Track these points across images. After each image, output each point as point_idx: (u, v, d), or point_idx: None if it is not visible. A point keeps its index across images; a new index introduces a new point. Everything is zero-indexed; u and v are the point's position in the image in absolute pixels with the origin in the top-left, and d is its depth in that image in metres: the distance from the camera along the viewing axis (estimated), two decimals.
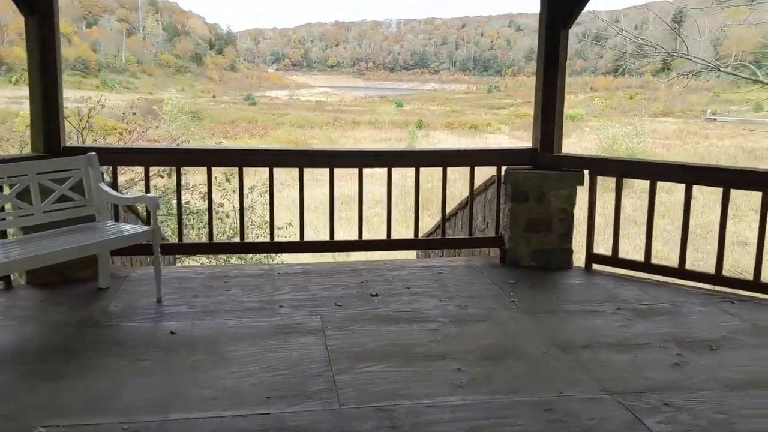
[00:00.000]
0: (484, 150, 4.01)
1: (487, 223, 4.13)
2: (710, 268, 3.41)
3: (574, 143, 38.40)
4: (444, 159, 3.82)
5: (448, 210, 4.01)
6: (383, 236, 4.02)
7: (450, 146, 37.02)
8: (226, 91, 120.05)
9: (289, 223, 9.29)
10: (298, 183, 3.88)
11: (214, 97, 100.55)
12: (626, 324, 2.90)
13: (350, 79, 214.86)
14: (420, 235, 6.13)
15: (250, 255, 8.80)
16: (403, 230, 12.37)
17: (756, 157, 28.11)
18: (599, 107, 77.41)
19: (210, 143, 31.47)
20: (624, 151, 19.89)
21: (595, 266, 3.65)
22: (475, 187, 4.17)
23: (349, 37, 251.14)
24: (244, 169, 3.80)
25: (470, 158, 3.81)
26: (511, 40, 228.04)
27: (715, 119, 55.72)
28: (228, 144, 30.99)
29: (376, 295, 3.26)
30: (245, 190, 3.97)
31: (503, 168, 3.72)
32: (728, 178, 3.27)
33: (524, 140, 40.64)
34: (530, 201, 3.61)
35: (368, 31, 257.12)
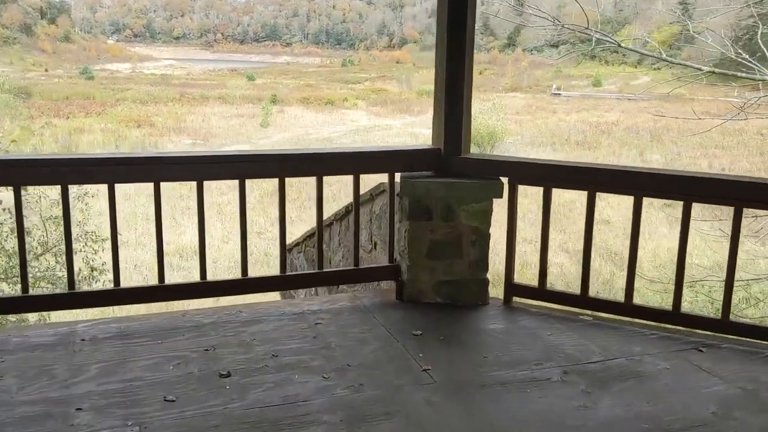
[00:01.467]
0: (372, 152, 2.99)
1: (375, 243, 3.20)
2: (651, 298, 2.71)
3: (430, 119, 38.62)
4: (318, 165, 2.84)
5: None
6: (235, 270, 2.97)
7: (307, 122, 35.95)
8: (60, 64, 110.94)
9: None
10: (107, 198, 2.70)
11: (46, 71, 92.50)
12: (586, 402, 2.08)
13: (197, 51, 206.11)
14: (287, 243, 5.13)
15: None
16: (260, 244, 11.24)
17: (602, 131, 29.41)
18: None
19: (39, 122, 28.29)
20: (483, 128, 19.78)
21: (516, 299, 2.84)
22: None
23: (195, 7, 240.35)
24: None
25: (354, 164, 2.84)
26: (363, 13, 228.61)
27: (560, 94, 58.52)
28: (59, 123, 28.01)
29: (228, 374, 2.23)
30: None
31: (397, 175, 2.79)
32: (694, 189, 2.54)
33: (382, 116, 40.35)
34: (434, 219, 2.72)
35: (215, 1, 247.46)
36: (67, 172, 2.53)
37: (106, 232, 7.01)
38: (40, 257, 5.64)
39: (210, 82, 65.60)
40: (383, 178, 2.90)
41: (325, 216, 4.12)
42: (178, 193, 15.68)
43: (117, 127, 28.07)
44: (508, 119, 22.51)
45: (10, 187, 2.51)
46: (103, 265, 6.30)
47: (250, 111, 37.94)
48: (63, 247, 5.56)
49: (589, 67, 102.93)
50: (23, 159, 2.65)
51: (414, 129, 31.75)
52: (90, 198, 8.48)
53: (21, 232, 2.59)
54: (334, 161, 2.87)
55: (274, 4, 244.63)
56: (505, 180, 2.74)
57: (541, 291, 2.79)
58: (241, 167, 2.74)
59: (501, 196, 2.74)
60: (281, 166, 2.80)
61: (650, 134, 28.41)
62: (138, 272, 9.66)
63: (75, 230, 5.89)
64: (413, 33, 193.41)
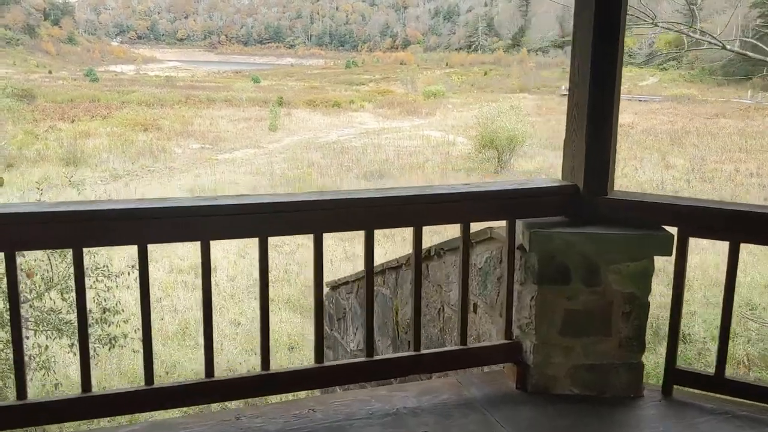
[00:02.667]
0: (484, 191, 2.15)
1: (475, 305, 2.48)
2: None
3: (439, 121, 37.88)
4: (416, 212, 2.09)
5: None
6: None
7: (315, 125, 35.29)
8: (64, 66, 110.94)
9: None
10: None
11: (50, 72, 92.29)
12: None
13: (201, 53, 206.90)
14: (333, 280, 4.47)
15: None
16: (279, 261, 10.52)
17: (627, 134, 28.62)
18: (457, 83, 78.53)
19: (43, 126, 27.66)
20: (502, 131, 19.05)
21: (677, 388, 2.11)
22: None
23: (199, 9, 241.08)
24: None
25: (461, 209, 2.10)
26: (366, 14, 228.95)
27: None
28: (64, 127, 27.37)
29: None
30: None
31: (519, 223, 2.08)
32: None
33: (390, 119, 39.75)
34: (573, 282, 2.02)
35: (219, 3, 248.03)
36: (80, 229, 1.80)
37: (118, 264, 6.26)
38: (43, 296, 4.89)
39: (215, 85, 65.11)
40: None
41: (393, 257, 3.43)
42: None
43: (123, 130, 27.40)
44: (521, 121, 21.82)
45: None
46: (117, 305, 5.51)
47: (257, 114, 37.28)
48: (71, 283, 4.70)
49: None
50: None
51: (424, 131, 31.04)
52: None
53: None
54: (435, 206, 2.13)
55: (278, 6, 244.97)
56: (672, 230, 2.02)
57: (720, 380, 2.06)
58: (315, 218, 2.02)
59: (669, 253, 2.01)
60: (366, 214, 2.08)
61: (669, 137, 27.63)
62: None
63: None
64: (416, 34, 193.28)
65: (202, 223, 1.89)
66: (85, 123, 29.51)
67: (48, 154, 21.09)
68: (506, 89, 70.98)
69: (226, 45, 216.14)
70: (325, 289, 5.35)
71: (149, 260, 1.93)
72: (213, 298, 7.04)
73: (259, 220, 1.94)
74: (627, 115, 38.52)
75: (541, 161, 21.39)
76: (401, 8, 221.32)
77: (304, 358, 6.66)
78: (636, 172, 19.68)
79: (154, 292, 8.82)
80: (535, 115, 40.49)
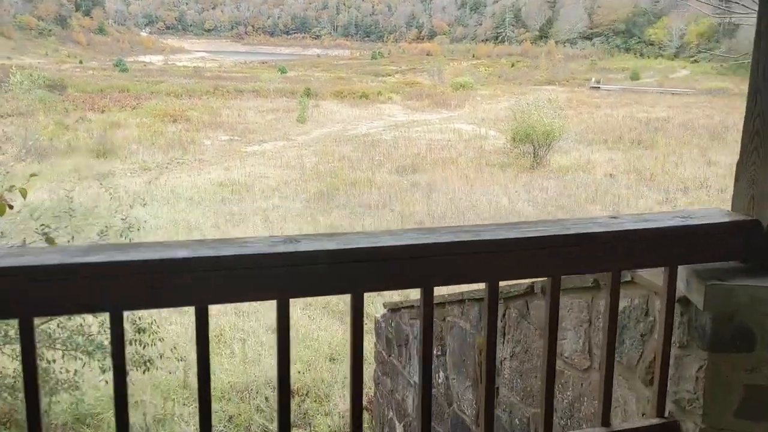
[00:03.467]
0: (638, 230, 1.58)
1: (593, 356, 2.00)
2: None
3: (469, 114, 37.26)
4: (549, 258, 1.52)
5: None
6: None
7: (343, 117, 34.89)
8: (94, 56, 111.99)
9: None
10: None
11: (81, 62, 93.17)
12: None
13: (229, 43, 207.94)
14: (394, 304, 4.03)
15: None
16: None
17: (655, 128, 27.84)
18: (484, 75, 77.62)
19: (74, 116, 27.59)
20: (539, 126, 18.44)
21: None
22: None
23: (226, 0, 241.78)
24: None
25: (610, 253, 1.55)
26: (392, 5, 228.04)
27: (599, 87, 56.58)
28: (94, 118, 27.28)
29: None
30: None
31: (682, 269, 1.59)
32: None
33: (419, 111, 39.26)
34: (757, 350, 1.56)
35: None
36: (118, 286, 1.30)
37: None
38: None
39: (243, 75, 65.04)
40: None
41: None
42: (219, 196, 14.68)
43: (152, 122, 27.23)
44: (557, 115, 21.14)
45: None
46: (152, 324, 5.00)
47: (285, 105, 37.00)
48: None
49: (624, 59, 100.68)
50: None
51: (455, 124, 30.50)
52: None
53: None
54: (574, 249, 1.61)
55: None
56: None
57: None
58: (431, 267, 1.52)
59: None
60: (490, 260, 1.56)
61: (708, 132, 26.77)
62: None
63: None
64: (442, 25, 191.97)
65: (278, 275, 1.40)
66: (114, 113, 29.42)
67: (78, 146, 20.93)
68: (534, 81, 69.99)
69: (253, 35, 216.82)
70: (382, 311, 4.87)
71: None
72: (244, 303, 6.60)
73: (361, 270, 1.45)
74: (661, 109, 37.60)
75: (577, 157, 20.76)
76: None
77: (347, 369, 6.22)
78: (677, 169, 18.97)
79: None
80: (566, 107, 39.64)
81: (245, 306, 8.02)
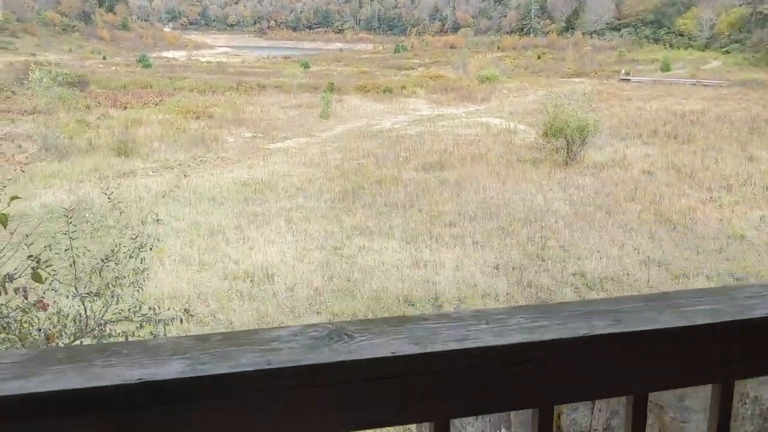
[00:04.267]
0: None
1: None
2: None
3: (496, 107, 36.49)
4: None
5: None
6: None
7: (367, 112, 34.36)
8: (118, 52, 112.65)
9: None
10: None
11: (104, 58, 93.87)
12: None
13: (251, 38, 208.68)
14: None
15: None
16: (338, 265, 9.58)
17: (691, 121, 26.90)
18: (510, 67, 76.57)
19: (96, 113, 27.38)
20: (573, 120, 17.72)
21: None
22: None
23: None
24: None
25: None
26: None
27: (629, 79, 55.35)
28: (116, 115, 27.02)
29: None
30: None
31: None
32: None
33: (444, 105, 38.43)
34: None
35: None
36: None
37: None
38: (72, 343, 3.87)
39: (265, 71, 64.76)
40: None
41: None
42: (242, 196, 14.24)
43: (175, 118, 26.92)
44: (592, 109, 20.36)
45: None
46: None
47: (308, 100, 36.54)
48: (116, 328, 3.63)
49: (653, 50, 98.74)
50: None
51: (482, 118, 29.80)
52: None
53: None
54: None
55: None
56: None
57: None
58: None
59: None
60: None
61: (746, 126, 25.77)
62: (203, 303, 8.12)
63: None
64: (466, 17, 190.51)
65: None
66: (137, 110, 29.18)
67: (99, 144, 20.63)
68: (561, 74, 68.89)
69: (276, 30, 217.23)
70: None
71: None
72: (269, 312, 6.11)
73: None
74: (695, 101, 36.52)
75: (612, 152, 20.02)
76: None
77: None
78: (717, 165, 18.15)
79: (207, 303, 8.01)
80: (596, 100, 38.70)
81: None
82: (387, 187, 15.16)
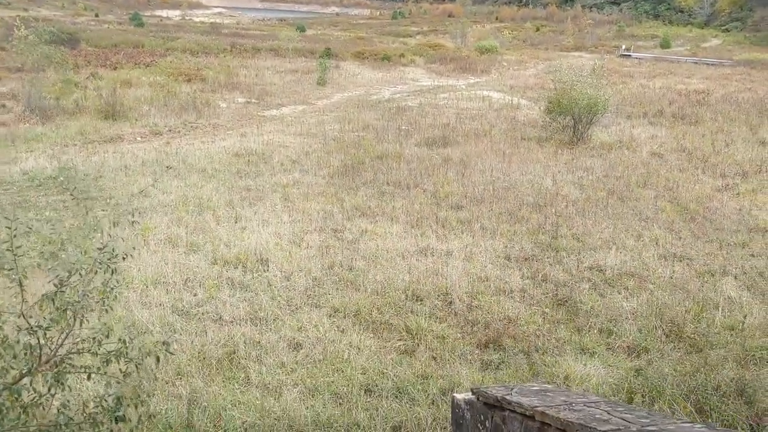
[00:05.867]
0: None
1: None
2: None
3: (496, 80, 35.55)
4: None
5: None
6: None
7: (365, 80, 33.38)
8: (111, 9, 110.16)
9: None
10: None
11: (96, 16, 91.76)
12: None
13: (247, 0, 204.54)
14: None
15: None
16: (338, 250, 8.86)
17: (697, 102, 26.16)
18: (508, 39, 75.20)
19: (85, 73, 26.33)
20: (582, 98, 16.96)
21: None
22: None
23: None
24: None
25: None
26: None
27: (630, 55, 54.30)
28: (105, 75, 25.98)
29: None
30: None
31: None
32: None
33: (444, 75, 37.40)
34: None
35: None
36: None
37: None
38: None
39: (260, 33, 63.27)
40: None
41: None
42: (234, 168, 13.46)
43: (166, 81, 25.89)
44: (600, 86, 19.49)
45: None
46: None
47: (304, 66, 35.47)
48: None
49: (652, 26, 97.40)
50: None
51: (483, 91, 28.95)
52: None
53: None
54: None
55: None
56: None
57: None
58: None
59: None
60: None
61: (755, 107, 25.07)
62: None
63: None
64: None
65: None
66: (127, 71, 28.09)
67: (86, 105, 19.69)
68: (561, 47, 67.65)
69: None
70: (462, 395, 3.56)
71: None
72: (263, 305, 5.31)
73: None
74: (698, 80, 35.71)
75: (618, 132, 19.34)
76: None
77: (389, 410, 5.06)
78: (728, 149, 17.50)
79: (194, 291, 7.32)
80: (596, 76, 37.85)
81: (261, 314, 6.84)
82: (389, 163, 14.41)
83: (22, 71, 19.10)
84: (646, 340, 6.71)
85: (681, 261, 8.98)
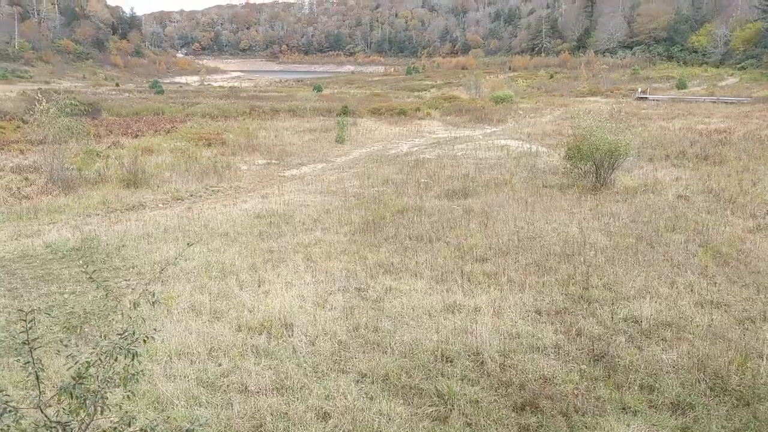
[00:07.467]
0: None
1: None
2: None
3: (513, 129, 35.64)
4: None
5: None
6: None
7: (382, 135, 33.64)
8: (131, 78, 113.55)
9: None
10: None
11: (117, 85, 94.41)
12: None
13: (264, 62, 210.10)
14: None
15: None
16: (361, 309, 8.67)
17: (719, 141, 25.91)
18: (522, 87, 75.84)
19: (107, 142, 26.81)
20: (604, 144, 16.82)
21: None
22: None
23: (260, 19, 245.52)
24: None
25: None
26: (426, 20, 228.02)
27: (647, 98, 54.32)
28: (127, 143, 26.41)
29: None
30: None
31: None
32: None
33: (460, 127, 37.45)
34: None
35: (280, 12, 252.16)
36: None
37: None
38: None
39: (278, 94, 64.49)
40: None
41: None
42: (256, 230, 13.40)
43: (187, 146, 26.26)
44: (621, 131, 19.38)
45: None
46: None
47: (322, 124, 35.93)
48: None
49: (667, 68, 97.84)
50: None
51: (500, 140, 28.98)
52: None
53: None
54: None
55: (338, 15, 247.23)
56: None
57: None
58: None
59: None
60: None
61: None
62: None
63: None
64: (476, 38, 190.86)
65: None
66: (148, 138, 28.59)
67: (108, 175, 19.94)
68: (576, 93, 68.04)
69: (287, 54, 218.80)
70: None
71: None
72: (289, 372, 4.99)
73: None
74: (718, 119, 35.50)
75: (642, 175, 19.11)
76: (461, 13, 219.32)
77: None
78: (755, 188, 17.17)
79: (218, 361, 7.15)
80: (613, 119, 37.78)
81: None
82: (410, 217, 14.30)
83: (44, 143, 19.44)
84: (689, 395, 6.38)
85: (718, 308, 8.65)
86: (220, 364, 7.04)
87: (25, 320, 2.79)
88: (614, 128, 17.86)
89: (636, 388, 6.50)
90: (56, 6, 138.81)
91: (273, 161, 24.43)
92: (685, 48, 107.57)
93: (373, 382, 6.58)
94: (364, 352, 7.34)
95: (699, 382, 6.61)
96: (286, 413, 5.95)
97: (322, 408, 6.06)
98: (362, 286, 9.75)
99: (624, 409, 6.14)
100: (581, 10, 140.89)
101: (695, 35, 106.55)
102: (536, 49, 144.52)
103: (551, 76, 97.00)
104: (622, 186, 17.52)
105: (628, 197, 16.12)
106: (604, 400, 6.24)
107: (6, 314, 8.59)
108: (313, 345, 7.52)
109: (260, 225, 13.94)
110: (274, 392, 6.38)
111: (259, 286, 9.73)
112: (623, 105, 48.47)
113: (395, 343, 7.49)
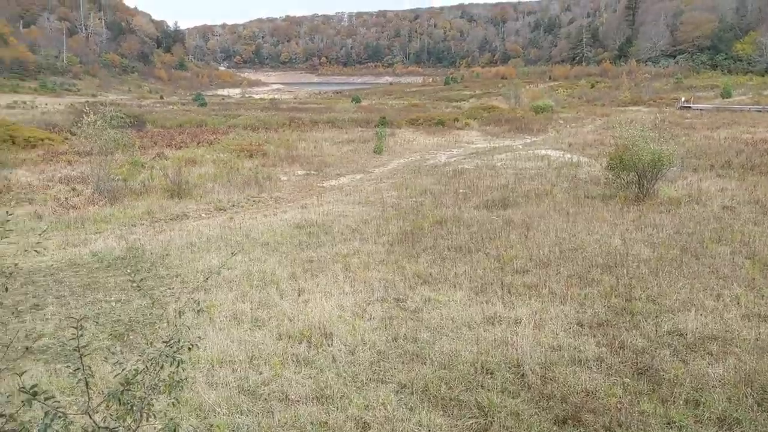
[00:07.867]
0: None
1: None
2: None
3: (554, 139, 35.32)
4: None
5: None
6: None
7: (420, 146, 33.67)
8: (174, 91, 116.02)
9: None
10: None
11: (161, 97, 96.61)
12: None
13: (303, 74, 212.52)
14: None
15: None
16: (401, 320, 8.67)
17: (765, 151, 25.25)
18: (563, 97, 75.14)
19: (151, 153, 27.39)
20: (647, 155, 16.55)
21: None
22: None
23: (300, 32, 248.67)
24: None
25: None
26: (464, 30, 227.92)
27: (690, 107, 53.26)
28: (171, 155, 26.93)
29: None
30: None
31: None
32: None
33: (499, 137, 37.27)
34: None
35: (320, 25, 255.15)
36: None
37: None
38: None
39: (317, 106, 65.05)
40: None
41: None
42: (296, 240, 13.53)
43: (229, 157, 26.68)
44: (665, 141, 19.04)
45: None
46: None
47: (360, 135, 36.13)
48: None
49: (711, 76, 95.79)
50: None
51: (540, 150, 28.73)
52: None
53: None
54: None
55: (377, 26, 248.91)
56: None
57: None
58: None
59: None
60: None
61: None
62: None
63: None
64: (516, 48, 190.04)
65: None
66: (191, 149, 29.12)
67: (153, 185, 20.37)
68: (618, 102, 67.10)
69: (327, 66, 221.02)
70: None
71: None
72: (329, 382, 5.02)
73: None
74: (765, 129, 34.65)
75: (686, 186, 18.72)
76: (500, 22, 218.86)
77: None
78: None
79: (259, 369, 7.22)
80: (657, 129, 37.11)
81: None
82: (448, 227, 14.26)
83: (91, 155, 19.97)
84: (736, 410, 6.21)
85: (766, 321, 8.42)
86: (260, 373, 7.11)
87: (76, 327, 2.87)
88: (657, 138, 17.53)
89: (681, 402, 6.36)
90: (103, 21, 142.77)
91: (312, 172, 24.65)
92: (729, 56, 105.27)
93: (412, 393, 6.57)
94: (403, 362, 7.33)
95: (746, 396, 6.44)
96: (326, 422, 5.98)
97: (362, 418, 6.07)
98: (401, 296, 9.75)
99: (669, 423, 6.01)
100: (622, 18, 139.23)
101: (740, 43, 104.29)
102: (577, 58, 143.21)
103: (592, 86, 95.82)
104: (665, 197, 17.19)
105: (672, 208, 15.81)
106: (649, 415, 6.12)
107: (55, 321, 8.82)
108: (353, 354, 7.55)
109: (300, 235, 14.07)
110: (314, 401, 6.41)
111: (299, 295, 9.81)
112: (666, 114, 47.61)
113: (434, 354, 7.47)
